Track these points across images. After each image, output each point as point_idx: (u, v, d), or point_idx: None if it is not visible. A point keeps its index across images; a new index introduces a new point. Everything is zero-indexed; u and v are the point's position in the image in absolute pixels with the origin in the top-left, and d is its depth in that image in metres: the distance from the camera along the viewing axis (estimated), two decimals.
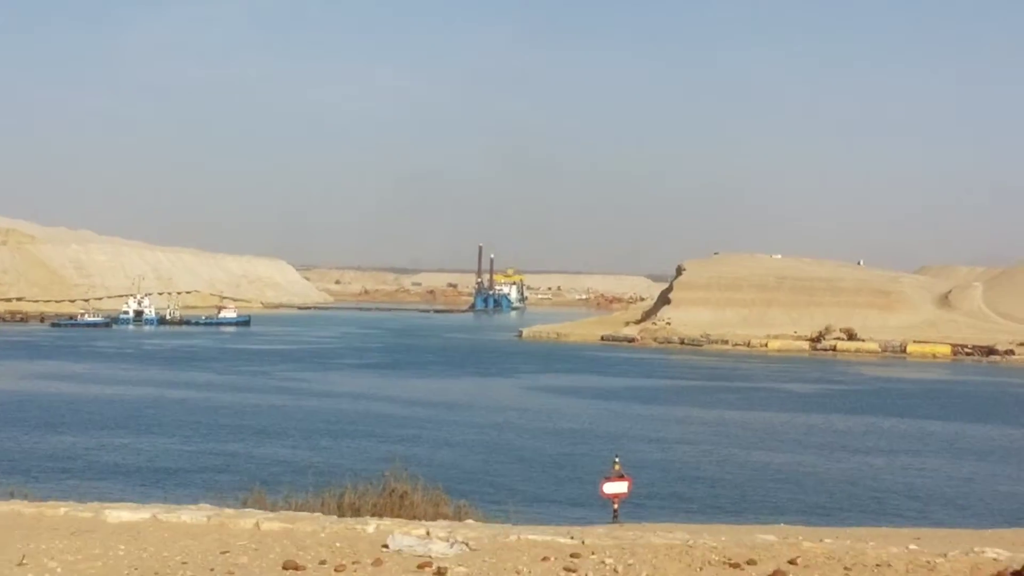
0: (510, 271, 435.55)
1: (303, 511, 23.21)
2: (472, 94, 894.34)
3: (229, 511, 20.78)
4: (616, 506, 26.43)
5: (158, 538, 17.25)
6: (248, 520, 18.61)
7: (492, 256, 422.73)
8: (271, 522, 18.35)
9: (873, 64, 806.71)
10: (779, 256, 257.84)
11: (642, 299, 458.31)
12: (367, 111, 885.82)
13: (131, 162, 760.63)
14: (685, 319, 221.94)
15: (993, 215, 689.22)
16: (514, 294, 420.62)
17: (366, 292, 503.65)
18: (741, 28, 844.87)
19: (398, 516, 23.89)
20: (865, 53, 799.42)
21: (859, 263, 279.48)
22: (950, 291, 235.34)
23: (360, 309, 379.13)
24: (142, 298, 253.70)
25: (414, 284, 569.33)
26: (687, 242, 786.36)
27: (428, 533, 17.53)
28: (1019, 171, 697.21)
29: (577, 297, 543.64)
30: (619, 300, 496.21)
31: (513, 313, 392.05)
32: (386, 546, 16.54)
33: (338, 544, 16.88)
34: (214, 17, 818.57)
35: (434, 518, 23.69)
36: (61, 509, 19.58)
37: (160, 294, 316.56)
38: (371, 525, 18.21)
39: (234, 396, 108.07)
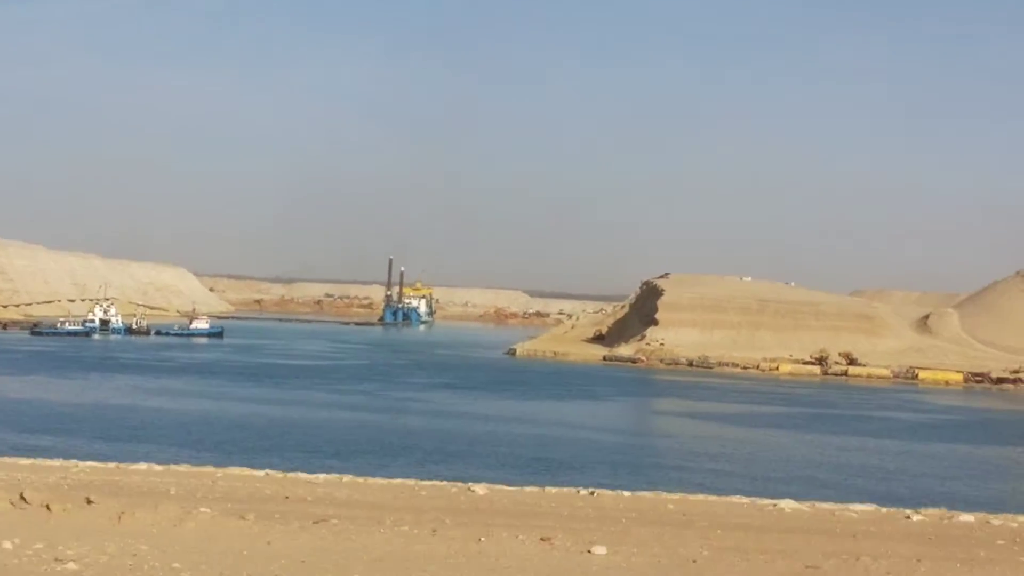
0: (419, 284, 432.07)
1: None
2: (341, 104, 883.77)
3: None
4: None
5: None
6: None
7: (403, 269, 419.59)
8: None
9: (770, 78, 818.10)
10: (749, 278, 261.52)
11: (560, 313, 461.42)
12: (236, 115, 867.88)
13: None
14: (676, 340, 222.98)
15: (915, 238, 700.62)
16: (423, 308, 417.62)
17: (258, 303, 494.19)
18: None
19: None
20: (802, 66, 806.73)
21: (791, 284, 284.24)
22: (927, 317, 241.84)
23: (281, 320, 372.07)
24: (108, 306, 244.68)
25: (360, 298, 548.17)
26: (558, 257, 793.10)
27: None
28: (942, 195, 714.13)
29: (459, 310, 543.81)
30: (515, 315, 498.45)
31: (422, 327, 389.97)
32: None
33: None
34: (91, 14, 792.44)
35: None
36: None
37: (82, 300, 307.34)
38: None
39: (427, 420, 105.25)
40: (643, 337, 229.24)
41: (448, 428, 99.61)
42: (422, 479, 30.07)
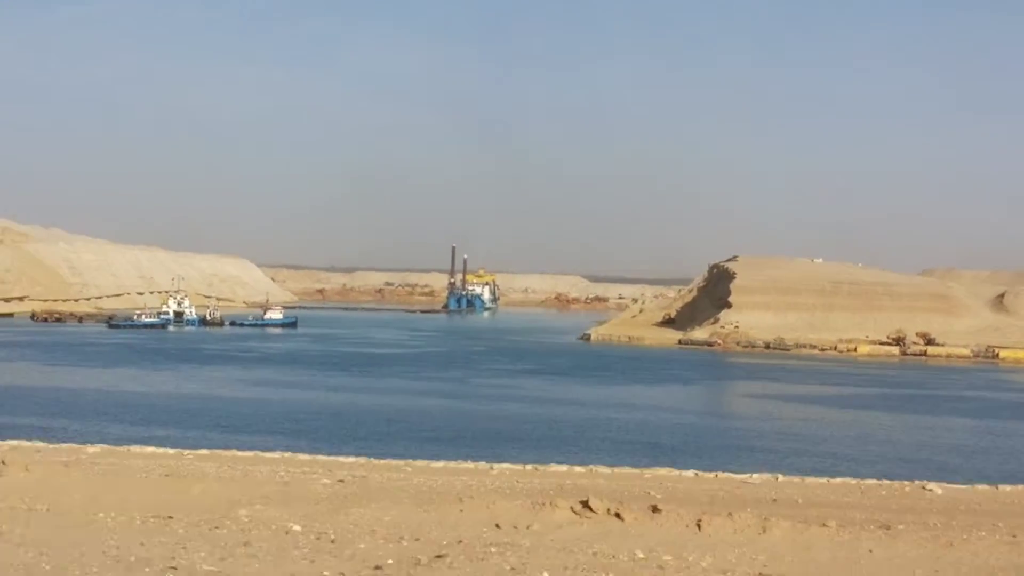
0: (481, 271, 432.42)
1: None
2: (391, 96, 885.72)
3: None
4: None
5: None
6: None
7: (465, 256, 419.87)
8: None
9: (859, 61, 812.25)
10: (820, 260, 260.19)
11: (619, 298, 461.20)
12: (291, 108, 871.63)
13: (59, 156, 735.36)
14: (750, 322, 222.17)
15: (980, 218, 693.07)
16: (487, 295, 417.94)
17: (321, 292, 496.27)
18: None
19: None
20: (858, 50, 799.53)
21: (859, 265, 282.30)
22: (1003, 295, 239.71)
23: (346, 309, 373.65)
24: (182, 299, 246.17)
25: (421, 285, 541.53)
26: (615, 242, 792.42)
27: None
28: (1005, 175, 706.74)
29: (520, 296, 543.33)
30: (576, 300, 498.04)
31: (486, 314, 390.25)
32: None
33: None
34: (139, 11, 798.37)
35: None
36: None
37: (151, 293, 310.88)
38: None
39: (527, 407, 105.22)
40: (716, 320, 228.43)
41: (551, 414, 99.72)
42: (787, 473, 29.60)
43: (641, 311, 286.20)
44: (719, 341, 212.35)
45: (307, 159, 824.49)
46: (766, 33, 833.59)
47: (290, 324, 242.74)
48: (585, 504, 20.71)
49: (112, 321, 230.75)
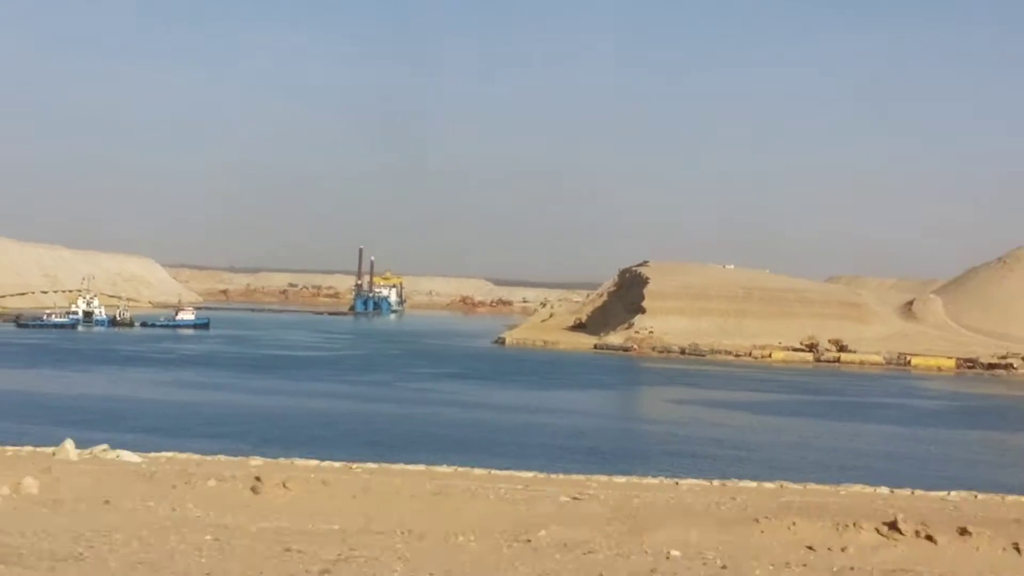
0: (388, 273, 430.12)
1: None
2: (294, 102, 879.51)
3: None
4: None
5: None
6: None
7: (373, 258, 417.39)
8: None
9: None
10: (731, 266, 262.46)
11: (524, 302, 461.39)
12: (197, 105, 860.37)
13: None
14: (664, 327, 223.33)
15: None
16: (393, 297, 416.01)
17: (224, 293, 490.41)
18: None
19: None
20: (760, 54, 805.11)
21: (766, 271, 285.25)
22: (911, 303, 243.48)
23: (252, 310, 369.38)
24: (91, 298, 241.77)
25: (325, 287, 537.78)
26: (519, 246, 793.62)
27: None
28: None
29: (425, 298, 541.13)
30: (482, 303, 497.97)
31: (393, 316, 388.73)
32: None
33: None
34: (46, 6, 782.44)
35: None
36: None
37: (55, 292, 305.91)
38: None
39: (458, 411, 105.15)
40: (631, 325, 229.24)
41: (483, 419, 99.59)
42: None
43: (552, 315, 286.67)
44: (635, 346, 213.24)
45: (209, 157, 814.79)
46: (670, 33, 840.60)
47: (202, 325, 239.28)
48: (891, 526, 20.23)
49: (20, 320, 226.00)
